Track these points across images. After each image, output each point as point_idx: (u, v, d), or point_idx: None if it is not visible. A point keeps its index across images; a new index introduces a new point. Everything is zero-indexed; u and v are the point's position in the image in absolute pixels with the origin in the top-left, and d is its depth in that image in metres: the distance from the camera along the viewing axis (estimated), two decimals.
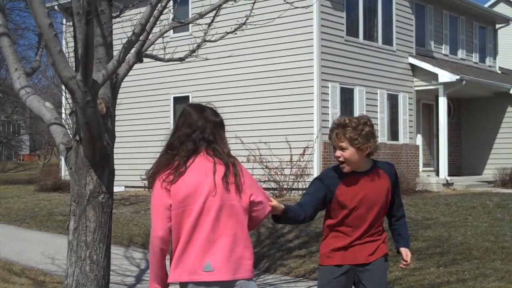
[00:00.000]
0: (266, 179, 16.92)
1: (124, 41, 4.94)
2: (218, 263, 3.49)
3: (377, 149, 4.20)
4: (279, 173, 17.00)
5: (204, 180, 3.53)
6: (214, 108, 3.79)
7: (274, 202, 3.89)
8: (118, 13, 6.53)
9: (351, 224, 4.21)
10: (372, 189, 4.17)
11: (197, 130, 3.64)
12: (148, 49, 5.59)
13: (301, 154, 16.75)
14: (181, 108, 3.81)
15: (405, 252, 4.34)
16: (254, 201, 3.66)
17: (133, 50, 5.13)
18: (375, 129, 4.21)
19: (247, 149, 17.03)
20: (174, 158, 3.60)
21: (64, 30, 17.41)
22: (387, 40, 19.92)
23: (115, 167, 5.41)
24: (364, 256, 4.21)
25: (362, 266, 4.23)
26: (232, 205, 3.55)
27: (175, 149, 3.64)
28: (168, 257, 3.62)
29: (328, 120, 16.64)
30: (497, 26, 26.86)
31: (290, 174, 16.91)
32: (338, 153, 4.14)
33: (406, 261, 4.32)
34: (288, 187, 16.82)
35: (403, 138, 20.23)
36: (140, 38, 5.02)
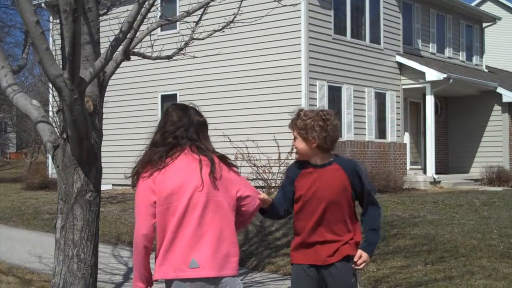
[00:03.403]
0: (254, 177, 16.89)
1: (111, 39, 4.93)
2: (204, 260, 3.49)
3: (326, 145, 4.16)
4: (267, 171, 16.99)
5: (190, 177, 3.54)
6: (197, 108, 3.80)
7: (263, 195, 3.92)
8: (105, 10, 6.52)
9: (303, 218, 4.21)
10: (323, 183, 4.16)
11: (180, 128, 3.66)
12: (136, 47, 5.58)
13: (289, 152, 16.72)
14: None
15: (359, 253, 4.18)
16: (242, 196, 3.68)
17: (120, 48, 5.12)
18: (329, 124, 4.15)
19: (235, 147, 17.01)
20: (159, 156, 3.61)
21: (51, 27, 17.32)
22: (375, 39, 19.96)
23: (103, 165, 5.40)
24: (323, 257, 4.16)
25: (325, 268, 4.18)
26: (218, 201, 3.56)
27: (158, 147, 3.65)
28: (152, 256, 3.62)
29: None
30: (484, 24, 26.98)
31: (278, 172, 16.89)
32: (293, 141, 4.29)
33: (355, 261, 4.19)
34: (276, 185, 16.79)
35: (390, 136, 20.28)
36: (128, 36, 5.01)
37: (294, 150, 4.34)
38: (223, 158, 3.70)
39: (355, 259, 4.18)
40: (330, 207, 4.16)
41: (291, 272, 4.36)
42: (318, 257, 4.19)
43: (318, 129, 4.13)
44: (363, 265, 4.19)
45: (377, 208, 4.29)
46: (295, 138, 4.24)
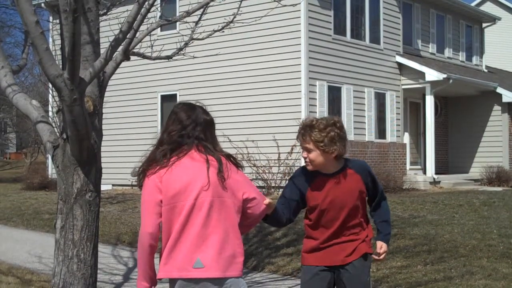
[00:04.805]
0: (254, 177, 16.89)
1: (111, 39, 4.93)
2: (208, 260, 3.48)
3: (345, 153, 4.16)
4: (267, 171, 17.00)
5: (197, 176, 3.53)
6: (204, 107, 3.80)
7: (268, 200, 3.90)
8: (105, 11, 6.52)
9: (323, 225, 4.21)
10: (341, 191, 4.15)
11: (187, 127, 3.65)
12: (135, 47, 5.58)
13: (288, 153, 16.75)
14: (168, 106, 3.84)
15: (379, 244, 4.28)
16: (248, 198, 3.66)
17: (120, 48, 5.12)
18: (344, 132, 4.16)
19: (235, 147, 17.01)
20: (163, 154, 3.60)
21: (51, 28, 17.31)
22: (375, 39, 19.96)
23: (103, 165, 5.40)
24: (341, 257, 4.19)
25: (341, 267, 4.21)
26: (224, 201, 3.55)
27: (164, 146, 3.64)
28: (156, 255, 3.61)
29: None
30: (484, 25, 26.98)
31: (278, 173, 16.91)
32: (305, 154, 4.15)
33: (378, 253, 4.29)
34: (276, 185, 16.83)
35: (390, 137, 20.28)
36: (127, 36, 5.01)
37: (296, 154, 4.31)
38: (231, 158, 3.69)
39: (377, 250, 4.25)
40: (351, 212, 4.19)
41: (302, 273, 4.36)
42: (337, 258, 4.20)
43: (337, 139, 4.07)
44: (384, 255, 4.29)
45: (387, 202, 4.43)
46: (309, 150, 4.10)
